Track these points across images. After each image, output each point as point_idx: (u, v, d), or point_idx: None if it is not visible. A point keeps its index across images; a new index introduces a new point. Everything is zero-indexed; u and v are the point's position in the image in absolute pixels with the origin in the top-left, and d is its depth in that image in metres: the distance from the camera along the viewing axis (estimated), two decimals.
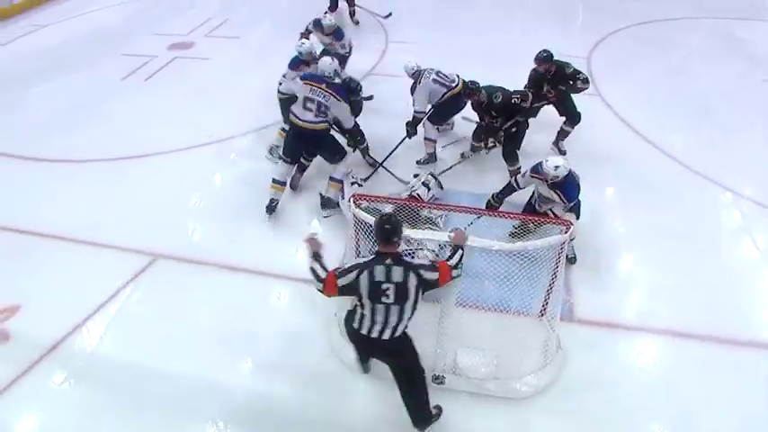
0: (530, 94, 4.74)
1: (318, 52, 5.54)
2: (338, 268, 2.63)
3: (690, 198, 4.77)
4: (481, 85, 4.70)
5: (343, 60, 5.99)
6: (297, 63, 5.11)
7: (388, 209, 3.80)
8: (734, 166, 5.14)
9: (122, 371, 3.40)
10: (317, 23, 6.10)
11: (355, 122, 4.71)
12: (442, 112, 5.09)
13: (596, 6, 9.10)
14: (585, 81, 4.90)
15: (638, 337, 3.58)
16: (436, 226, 4.02)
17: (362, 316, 2.65)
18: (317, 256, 2.71)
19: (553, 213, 3.80)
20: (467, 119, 5.33)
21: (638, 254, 4.25)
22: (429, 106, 4.96)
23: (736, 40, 7.85)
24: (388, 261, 2.56)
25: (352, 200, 3.35)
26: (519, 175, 4.07)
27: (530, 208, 4.08)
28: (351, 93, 4.59)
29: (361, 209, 3.25)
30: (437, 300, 3.06)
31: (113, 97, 6.62)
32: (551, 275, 3.33)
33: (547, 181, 3.70)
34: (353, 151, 4.91)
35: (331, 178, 4.57)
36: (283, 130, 5.01)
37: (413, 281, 2.55)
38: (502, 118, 4.66)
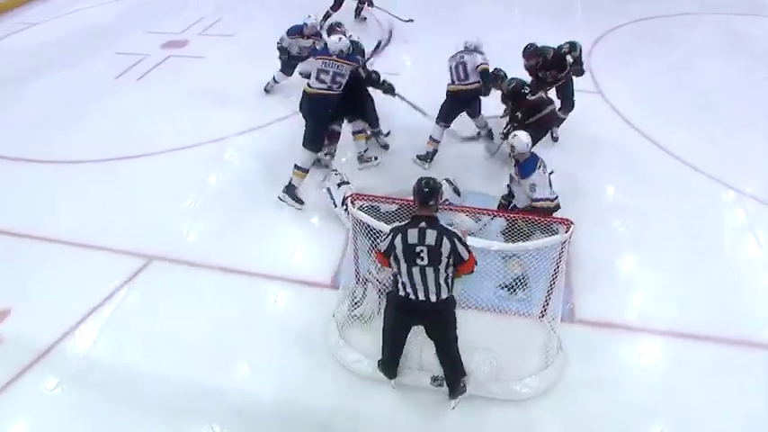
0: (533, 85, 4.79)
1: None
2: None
3: (692, 196, 4.71)
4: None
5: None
6: (296, 31, 5.23)
7: (385, 208, 3.74)
8: (736, 163, 5.08)
9: (116, 374, 3.35)
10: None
11: (375, 73, 4.89)
12: (451, 107, 4.98)
13: (596, 5, 9.04)
14: (572, 48, 4.88)
15: (639, 337, 3.53)
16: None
17: (403, 283, 2.71)
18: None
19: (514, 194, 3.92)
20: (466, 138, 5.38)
21: (639, 253, 4.20)
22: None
23: (738, 36, 7.79)
24: (423, 224, 2.61)
25: (349, 200, 3.29)
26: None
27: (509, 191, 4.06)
28: (372, 83, 4.86)
29: (358, 209, 3.20)
30: None
31: (106, 96, 6.53)
32: (552, 276, 3.28)
33: (510, 153, 3.90)
34: (393, 96, 5.00)
35: (353, 133, 4.99)
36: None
37: (446, 246, 2.59)
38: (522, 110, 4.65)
